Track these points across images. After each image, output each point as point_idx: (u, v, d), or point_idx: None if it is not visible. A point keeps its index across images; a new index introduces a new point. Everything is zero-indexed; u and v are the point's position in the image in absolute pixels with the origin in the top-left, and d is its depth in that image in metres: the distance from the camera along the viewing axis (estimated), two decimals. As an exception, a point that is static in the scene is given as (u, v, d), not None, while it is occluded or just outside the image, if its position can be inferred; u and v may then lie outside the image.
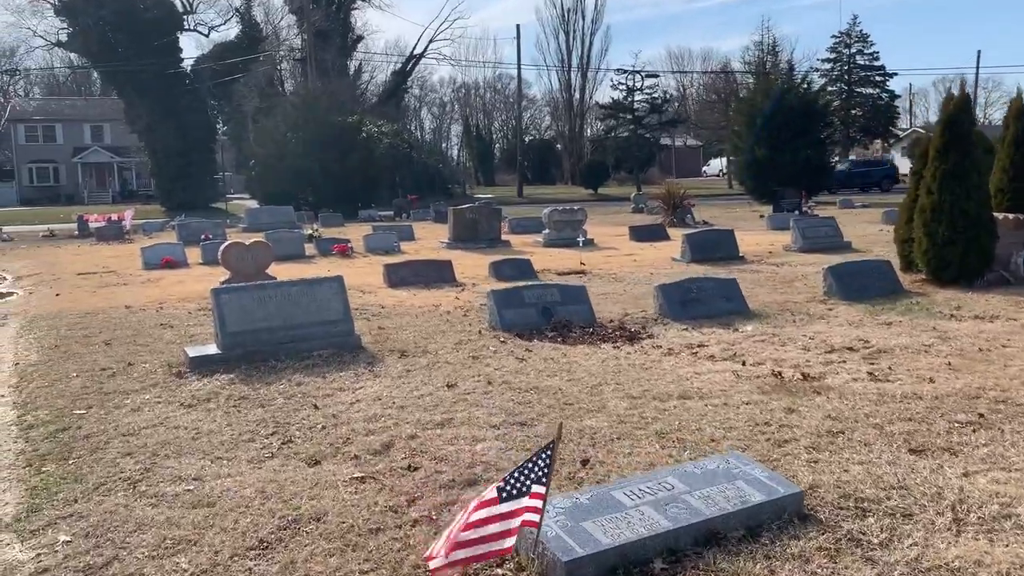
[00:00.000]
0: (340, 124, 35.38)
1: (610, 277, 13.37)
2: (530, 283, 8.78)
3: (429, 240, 21.61)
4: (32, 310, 11.19)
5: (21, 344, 8.62)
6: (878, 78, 56.45)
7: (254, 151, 36.45)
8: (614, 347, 7.48)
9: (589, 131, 79.30)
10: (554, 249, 18.56)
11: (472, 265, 15.29)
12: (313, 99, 34.96)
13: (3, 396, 6.48)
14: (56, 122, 65.70)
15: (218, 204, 47.25)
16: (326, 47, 52.88)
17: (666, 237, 20.65)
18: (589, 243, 19.16)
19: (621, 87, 54.01)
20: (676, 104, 58.81)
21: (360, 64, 71.55)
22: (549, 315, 8.36)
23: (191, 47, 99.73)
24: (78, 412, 5.82)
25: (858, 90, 51.34)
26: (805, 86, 40.98)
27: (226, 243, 11.60)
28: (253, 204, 45.20)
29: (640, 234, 20.43)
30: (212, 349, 7.14)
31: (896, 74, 78.03)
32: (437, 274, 13.01)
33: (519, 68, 51.44)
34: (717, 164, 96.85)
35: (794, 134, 39.07)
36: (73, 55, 50.22)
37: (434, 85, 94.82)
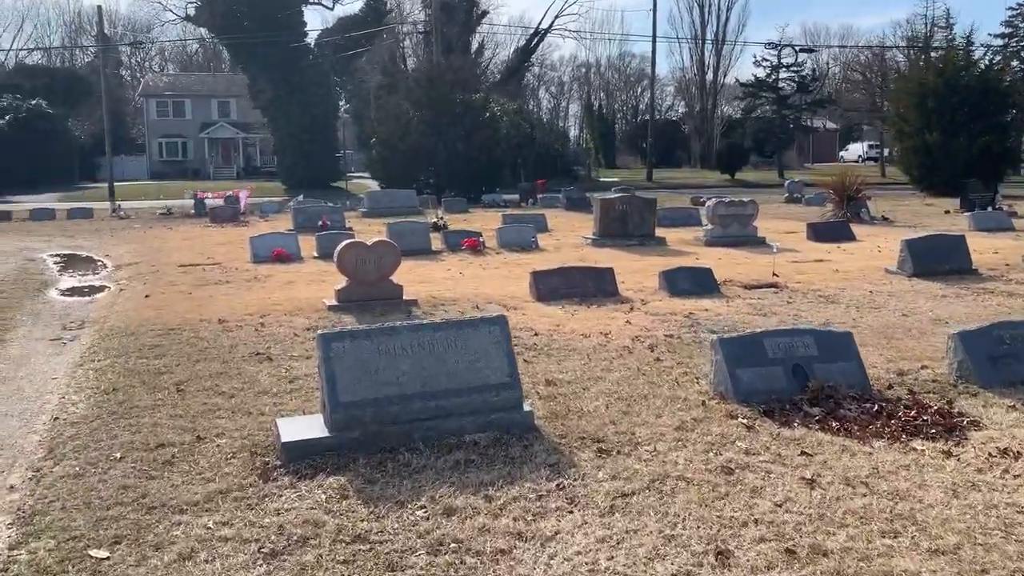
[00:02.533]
0: (465, 102, 33.17)
1: (816, 296, 10.43)
2: (772, 329, 6.01)
3: (566, 233, 19.02)
4: (113, 318, 9.22)
5: (77, 379, 6.52)
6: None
7: (375, 129, 34.72)
8: (941, 451, 4.66)
9: (720, 112, 74.81)
10: (720, 249, 15.64)
11: (631, 270, 12.61)
12: (437, 75, 32.84)
13: (12, 490, 4.29)
14: (185, 97, 66.53)
15: (338, 183, 46.12)
16: (450, 22, 50.91)
17: (851, 236, 17.40)
18: (771, 249, 16.13)
19: (765, 63, 49.75)
20: (821, 83, 53.87)
21: (483, 41, 69.58)
22: (803, 377, 5.61)
23: (315, 21, 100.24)
24: (95, 554, 3.52)
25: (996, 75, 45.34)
26: (987, 62, 36.04)
27: (344, 243, 9.33)
28: (374, 185, 43.81)
29: (820, 233, 17.23)
30: (317, 427, 4.75)
31: None
32: (596, 285, 10.40)
33: (654, 40, 47.96)
34: (856, 149, 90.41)
35: (970, 117, 34.42)
36: (202, 30, 49.90)
37: (553, 63, 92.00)
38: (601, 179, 51.86)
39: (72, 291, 11.86)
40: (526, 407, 5.03)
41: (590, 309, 9.52)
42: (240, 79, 59.05)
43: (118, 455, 4.70)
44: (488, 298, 10.05)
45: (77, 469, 4.53)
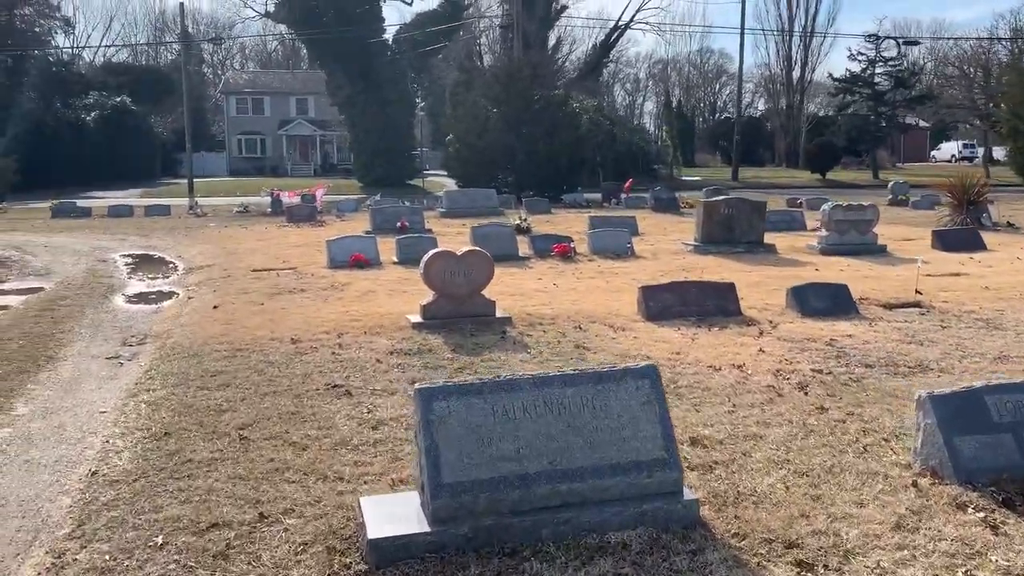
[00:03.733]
0: (545, 98, 31.94)
1: (973, 319, 8.90)
2: (996, 383, 4.63)
3: (658, 237, 17.64)
4: (177, 332, 8.32)
5: (127, 415, 5.56)
6: None
7: (453, 127, 33.79)
8: None
9: (805, 109, 71.87)
10: (838, 259, 14.09)
11: (747, 283, 11.21)
12: (516, 71, 31.71)
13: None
14: (264, 95, 67.04)
15: (414, 181, 45.48)
16: (529, 17, 49.71)
17: (982, 245, 15.61)
18: (897, 259, 14.51)
19: (861, 57, 47.09)
20: (918, 79, 50.86)
21: (560, 36, 68.24)
22: (1043, 450, 4.23)
23: (393, 17, 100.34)
24: None
25: None
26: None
27: (431, 253, 8.23)
28: (450, 183, 42.98)
29: (948, 241, 15.49)
30: (413, 516, 3.58)
31: None
32: (715, 302, 9.07)
33: (742, 33, 45.85)
34: (949, 148, 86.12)
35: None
36: (282, 26, 49.87)
37: (629, 60, 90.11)
38: (683, 178, 50.06)
39: (139, 298, 11.09)
40: (688, 493, 3.78)
41: (711, 332, 8.21)
42: (318, 77, 59.13)
43: (159, 539, 3.65)
44: (590, 316, 8.83)
45: (106, 558, 3.49)
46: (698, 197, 28.28)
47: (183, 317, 9.20)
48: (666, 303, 8.91)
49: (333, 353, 7.18)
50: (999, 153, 71.56)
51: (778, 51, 71.41)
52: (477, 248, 8.47)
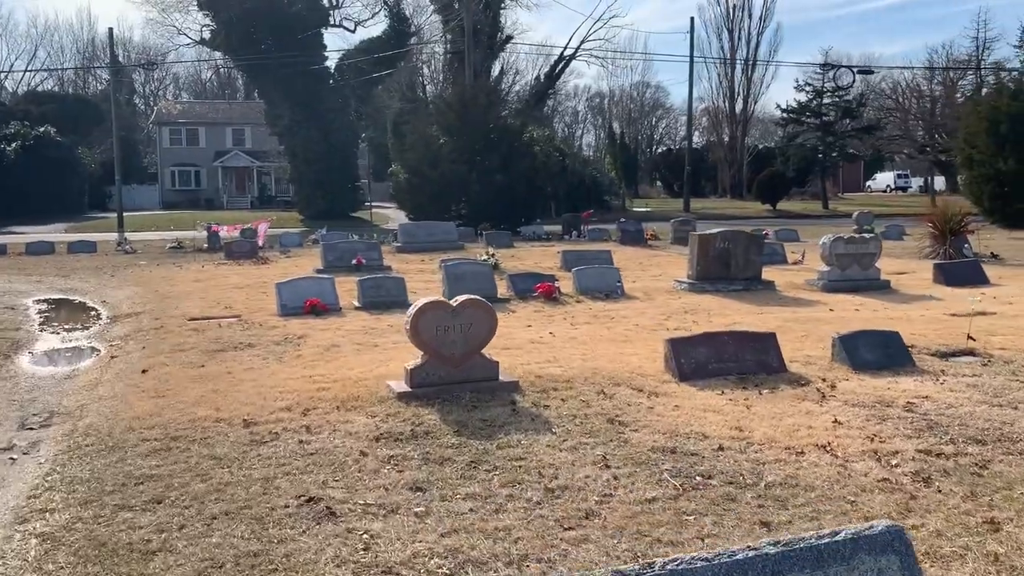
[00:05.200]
0: (501, 127, 30.58)
1: (1049, 371, 7.61)
2: None
3: (639, 273, 16.24)
4: (94, 409, 6.49)
5: (6, 561, 3.77)
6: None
7: (401, 156, 32.17)
8: None
9: (748, 141, 72.34)
10: (844, 296, 12.85)
11: (759, 327, 9.82)
12: (470, 99, 30.31)
13: None
14: (199, 125, 64.55)
15: (359, 214, 43.65)
16: (474, 46, 48.65)
17: (985, 279, 14.60)
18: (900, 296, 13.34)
19: (808, 87, 47.07)
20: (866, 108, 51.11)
21: (503, 67, 67.40)
22: None
23: (335, 43, 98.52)
24: None
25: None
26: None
27: (420, 305, 6.56)
28: (396, 215, 41.23)
29: (951, 275, 14.43)
30: None
31: None
32: (754, 356, 7.60)
33: (691, 62, 45.24)
34: (884, 178, 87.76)
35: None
36: (218, 54, 47.71)
37: (568, 93, 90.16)
38: (634, 209, 49.25)
39: (49, 357, 9.18)
40: None
41: (764, 397, 6.73)
42: (255, 106, 56.98)
43: None
44: (610, 376, 7.27)
45: None
46: (663, 229, 27.17)
47: (103, 386, 7.35)
48: (700, 359, 7.41)
49: (301, 442, 5.46)
50: (939, 183, 73.00)
51: (720, 83, 71.75)
52: (475, 297, 6.85)
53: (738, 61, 63.97)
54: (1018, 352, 8.43)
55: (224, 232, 25.28)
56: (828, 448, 5.44)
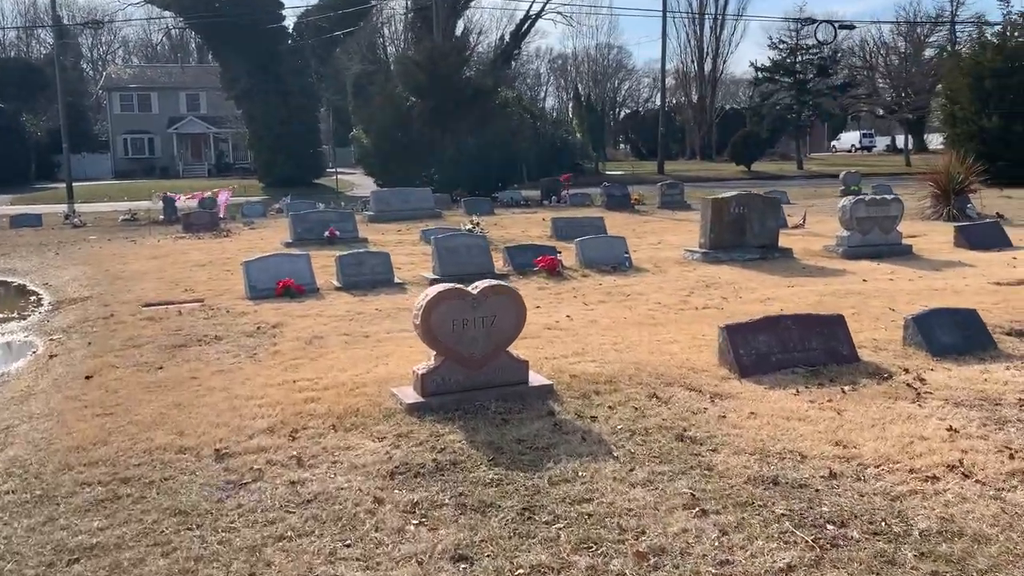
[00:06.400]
0: (475, 87, 29.00)
1: None
2: None
3: (636, 242, 14.97)
4: (21, 436, 5.13)
5: None
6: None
7: (368, 119, 30.43)
8: None
9: (718, 101, 71.23)
10: (868, 263, 11.81)
11: (805, 306, 8.69)
12: (442, 57, 28.64)
13: None
14: (151, 90, 61.72)
15: (322, 180, 41.82)
16: (440, 2, 46.62)
17: (1009, 242, 13.63)
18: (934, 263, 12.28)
19: (782, 45, 45.92)
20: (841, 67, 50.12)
21: (467, 26, 65.26)
22: None
23: (294, 1, 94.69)
24: None
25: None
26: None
27: (433, 294, 5.25)
28: (362, 181, 39.52)
29: (974, 238, 13.45)
30: None
31: None
32: (821, 343, 6.43)
33: (664, 17, 43.69)
34: (849, 138, 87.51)
35: (1033, 100, 30.81)
36: (168, 13, 45.06)
37: (530, 55, 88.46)
38: (607, 172, 47.98)
39: (-25, 358, 7.72)
40: None
41: (848, 396, 5.58)
42: (210, 70, 54.34)
43: None
44: (656, 372, 6.06)
45: None
46: (646, 192, 25.97)
47: (35, 399, 5.96)
48: (761, 349, 6.22)
49: (292, 483, 4.17)
50: (901, 142, 72.64)
51: (688, 41, 70.30)
52: (498, 282, 5.56)
53: (707, 16, 62.43)
54: (1104, 329, 7.39)
55: (181, 202, 23.57)
56: (963, 470, 4.30)
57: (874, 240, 12.66)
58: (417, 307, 5.34)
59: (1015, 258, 12.31)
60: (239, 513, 3.83)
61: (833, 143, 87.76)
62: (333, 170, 41.80)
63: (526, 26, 62.79)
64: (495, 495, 4.00)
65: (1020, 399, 5.50)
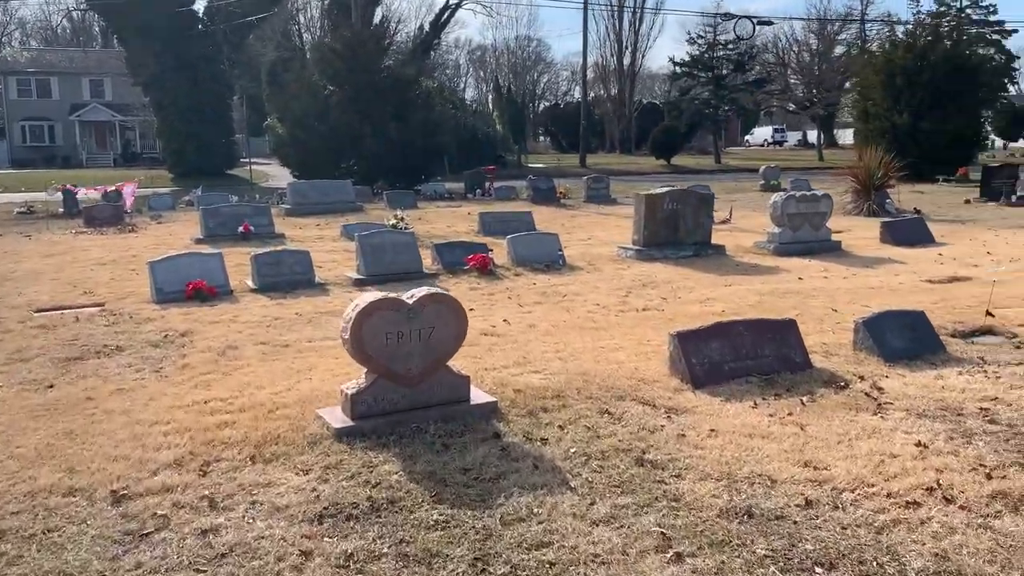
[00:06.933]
0: (395, 75, 28.19)
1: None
2: None
3: (566, 238, 14.59)
4: None
5: None
6: (993, 35, 48.72)
7: (286, 108, 29.26)
8: None
9: (636, 95, 71.77)
10: (800, 260, 11.72)
11: (745, 306, 8.45)
12: (360, 44, 27.73)
13: None
14: (51, 75, 58.50)
15: (236, 171, 40.31)
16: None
17: (932, 238, 13.80)
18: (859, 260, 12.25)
19: (700, 40, 46.41)
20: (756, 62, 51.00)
21: (385, 15, 64.06)
22: None
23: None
24: None
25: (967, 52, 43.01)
26: (954, 38, 33.69)
27: (364, 303, 4.69)
28: (278, 172, 38.19)
29: (899, 234, 13.57)
30: None
31: (1016, 30, 69.80)
32: (774, 350, 6.12)
33: (585, 10, 43.51)
34: (762, 133, 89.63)
35: (937, 97, 31.81)
36: (67, -5, 42.71)
37: (449, 46, 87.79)
38: (530, 165, 47.68)
39: None
40: None
41: (807, 408, 5.28)
42: (115, 55, 51.79)
43: None
44: (606, 384, 5.65)
45: None
46: (572, 186, 25.68)
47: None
48: (714, 357, 5.88)
49: (203, 532, 3.57)
50: (812, 137, 74.65)
51: (608, 35, 70.63)
52: (436, 290, 5.04)
53: (626, 10, 62.75)
54: (1042, 330, 7.34)
55: (83, 194, 22.14)
56: (943, 494, 4.01)
57: (804, 237, 12.60)
58: (346, 319, 4.77)
59: (941, 254, 12.42)
60: (138, 575, 3.23)
61: (747, 138, 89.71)
62: (247, 161, 40.31)
63: (446, 16, 62.00)
64: (441, 541, 3.50)
65: (981, 409, 5.29)
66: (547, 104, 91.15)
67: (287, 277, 9.62)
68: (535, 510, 3.79)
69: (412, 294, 4.90)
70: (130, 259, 12.25)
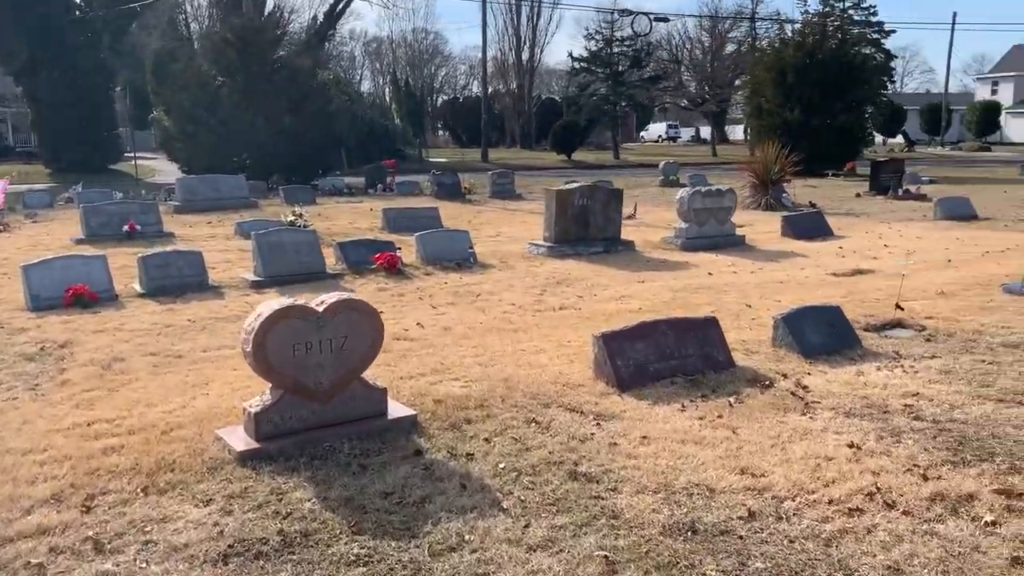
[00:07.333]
0: (291, 66, 27.20)
1: (1002, 346, 6.68)
2: None
3: (474, 234, 14.28)
4: None
5: None
6: (873, 35, 51.01)
7: (173, 100, 27.82)
8: None
9: (535, 90, 72.12)
10: (707, 255, 11.77)
11: (660, 303, 8.34)
12: (254, 33, 26.62)
13: None
14: (-91, 62, 54.15)
15: (119, 166, 38.27)
16: (247, -22, 43.82)
17: (830, 231, 14.14)
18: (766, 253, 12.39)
19: (598, 36, 46.82)
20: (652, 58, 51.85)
21: (277, 5, 62.21)
22: None
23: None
24: None
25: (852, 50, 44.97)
26: (839, 37, 35.01)
27: (267, 312, 4.25)
28: (165, 167, 36.41)
29: (799, 228, 13.84)
30: None
31: (895, 31, 73.16)
32: (697, 349, 5.98)
33: (484, 3, 43.18)
34: (657, 128, 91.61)
35: (825, 94, 33.00)
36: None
37: (344, 38, 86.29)
38: (431, 159, 47.12)
39: None
40: None
41: (735, 409, 5.14)
42: (-17, 40, 48.35)
43: None
44: (530, 390, 5.38)
45: None
46: (476, 181, 25.37)
47: None
48: (639, 359, 5.68)
49: (87, 584, 3.10)
50: (704, 133, 76.76)
51: (506, 29, 70.63)
52: (348, 296, 4.64)
53: (524, 4, 62.85)
54: (949, 321, 7.49)
55: (-54, 191, 20.40)
56: (883, 499, 3.91)
57: (710, 232, 12.67)
58: (247, 329, 4.32)
59: (841, 247, 12.70)
60: (6, 643, 2.75)
61: (642, 133, 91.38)
62: (132, 155, 38.30)
63: (341, 6, 60.71)
64: (365, 579, 3.14)
65: (905, 405, 5.27)
66: (446, 98, 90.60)
67: (178, 280, 8.96)
68: (466, 537, 3.47)
69: (322, 300, 4.48)
70: (1, 263, 11.25)
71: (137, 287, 8.99)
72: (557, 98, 71.56)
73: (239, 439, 4.34)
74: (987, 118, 64.27)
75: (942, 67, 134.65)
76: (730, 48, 64.66)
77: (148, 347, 6.67)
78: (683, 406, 5.18)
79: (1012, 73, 72.91)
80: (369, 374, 4.79)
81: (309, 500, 3.78)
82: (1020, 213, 17.52)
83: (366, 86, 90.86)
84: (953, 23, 57.19)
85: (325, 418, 4.46)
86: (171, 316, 7.85)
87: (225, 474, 4.05)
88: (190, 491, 3.87)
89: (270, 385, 4.43)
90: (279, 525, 3.54)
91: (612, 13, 44.64)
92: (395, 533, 3.50)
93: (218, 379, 5.65)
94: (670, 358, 5.82)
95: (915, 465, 4.31)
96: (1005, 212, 17.57)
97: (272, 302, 4.44)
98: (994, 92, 73.00)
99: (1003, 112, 66.87)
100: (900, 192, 21.94)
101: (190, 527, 3.53)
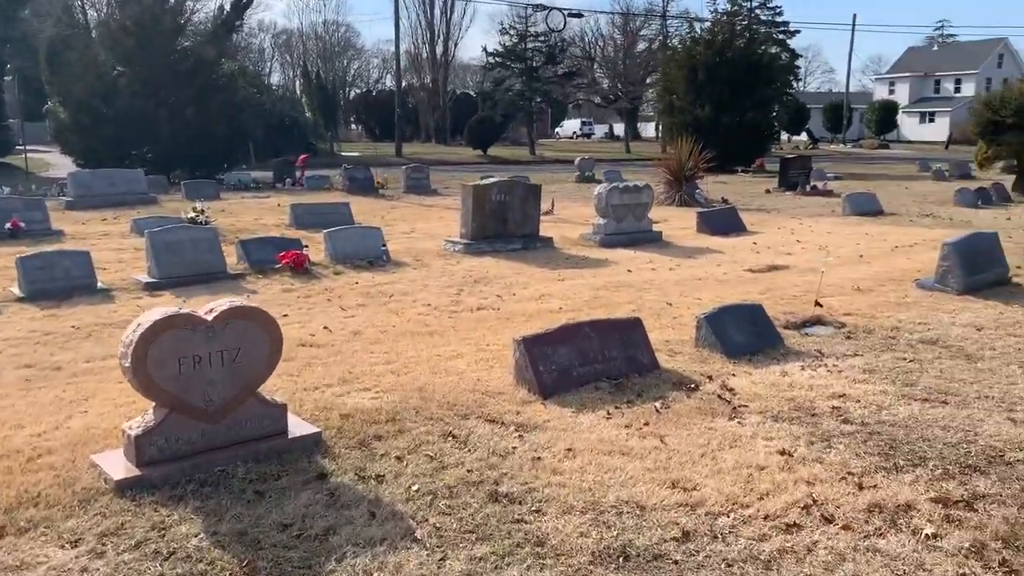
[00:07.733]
0: (195, 56, 26.02)
1: (921, 342, 6.68)
2: None
3: (388, 231, 13.80)
4: None
5: None
6: (779, 35, 52.33)
7: (67, 90, 26.28)
8: None
9: (450, 85, 71.48)
10: (625, 252, 11.62)
11: (581, 302, 8.09)
12: (153, 21, 25.34)
13: None
14: None
15: (9, 159, 36.10)
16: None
17: (744, 227, 14.23)
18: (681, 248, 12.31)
19: (512, 31, 46.61)
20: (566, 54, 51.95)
21: (181, -7, 59.93)
22: None
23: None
24: None
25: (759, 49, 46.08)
26: (747, 36, 35.69)
27: (148, 320, 3.77)
28: (61, 161, 34.50)
29: (714, 224, 13.88)
30: None
31: (799, 31, 75.05)
32: (621, 351, 5.72)
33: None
34: (571, 125, 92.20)
35: (735, 92, 33.64)
36: None
37: (252, 29, 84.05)
38: (343, 154, 46.07)
39: None
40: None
41: (662, 416, 4.90)
42: None
43: None
44: (447, 400, 5.02)
45: None
46: (390, 175, 24.78)
47: None
48: (563, 364, 5.38)
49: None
50: (617, 130, 77.52)
51: (419, 22, 69.71)
52: (241, 303, 4.17)
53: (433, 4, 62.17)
54: (867, 318, 7.49)
55: None
56: (820, 512, 3.71)
57: (628, 228, 12.53)
58: (125, 342, 3.83)
59: (755, 243, 12.74)
60: None
61: (556, 130, 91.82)
62: (23, 147, 36.16)
63: (248, -4, 58.70)
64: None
65: (833, 407, 5.13)
66: (358, 92, 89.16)
67: (62, 282, 8.24)
68: (375, 575, 3.09)
69: (211, 308, 4.02)
70: None
71: (16, 290, 8.24)
72: (472, 93, 71.16)
73: (118, 466, 3.84)
74: (885, 117, 66.86)
75: (842, 67, 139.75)
76: (642, 46, 65.47)
77: (23, 358, 6.03)
78: (608, 413, 4.91)
79: (907, 74, 76.07)
80: (269, 386, 4.35)
81: (196, 535, 3.34)
82: (923, 208, 18.07)
83: (276, 78, 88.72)
84: (853, 24, 59.13)
85: (217, 439, 4.00)
86: (52, 323, 7.17)
87: (99, 507, 3.56)
88: (56, 530, 3.37)
89: (154, 404, 3.95)
90: (159, 568, 3.09)
91: (526, 8, 44.45)
92: (294, 573, 3.09)
93: (100, 394, 5.10)
94: (594, 362, 5.55)
95: (849, 472, 4.14)
96: (909, 207, 18.08)
97: (155, 310, 3.95)
98: (891, 92, 76.03)
99: (900, 111, 69.69)
100: (808, 188, 22.41)
101: (52, 574, 3.04)
